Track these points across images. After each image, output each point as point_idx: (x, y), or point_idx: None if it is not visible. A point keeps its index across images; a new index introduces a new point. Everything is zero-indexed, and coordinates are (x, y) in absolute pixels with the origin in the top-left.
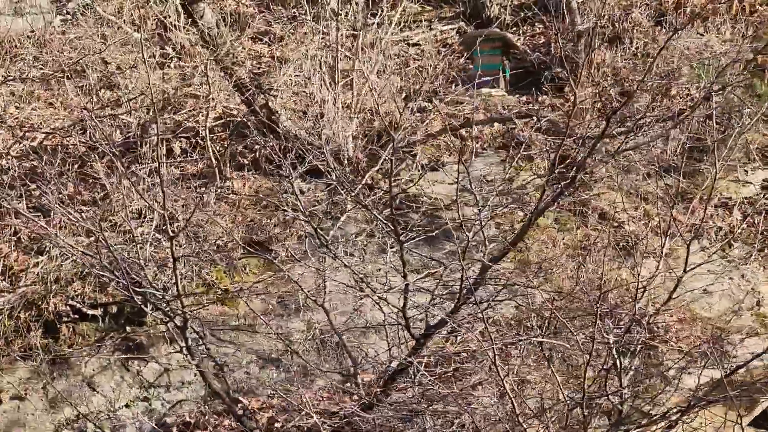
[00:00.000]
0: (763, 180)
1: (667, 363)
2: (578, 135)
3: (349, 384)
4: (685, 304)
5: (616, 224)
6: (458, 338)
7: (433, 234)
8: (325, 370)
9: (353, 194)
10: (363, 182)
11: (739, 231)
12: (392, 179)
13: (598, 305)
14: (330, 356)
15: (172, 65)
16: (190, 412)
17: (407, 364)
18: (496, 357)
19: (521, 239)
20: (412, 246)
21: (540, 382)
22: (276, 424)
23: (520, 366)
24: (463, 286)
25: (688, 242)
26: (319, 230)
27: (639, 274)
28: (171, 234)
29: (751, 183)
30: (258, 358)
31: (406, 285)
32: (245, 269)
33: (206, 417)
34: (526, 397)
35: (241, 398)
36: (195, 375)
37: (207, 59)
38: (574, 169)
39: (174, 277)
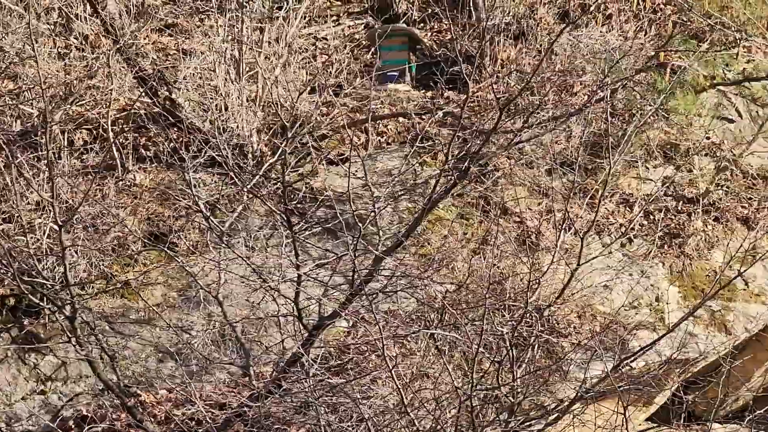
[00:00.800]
0: (665, 177)
1: (567, 357)
2: (474, 128)
3: (246, 377)
4: (584, 299)
5: (517, 219)
6: (360, 331)
7: (330, 226)
8: (218, 362)
9: (248, 186)
10: (260, 174)
11: (640, 227)
12: (287, 171)
13: (487, 297)
14: (230, 349)
15: (71, 55)
16: (87, 405)
17: (299, 355)
18: (385, 347)
19: (413, 231)
20: (317, 239)
21: (440, 375)
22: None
23: (423, 359)
24: (354, 278)
25: (581, 236)
26: (213, 221)
27: (531, 267)
28: (59, 223)
29: (652, 180)
30: (158, 352)
31: (299, 276)
32: (146, 262)
33: (103, 410)
34: (423, 389)
35: (139, 391)
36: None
37: (109, 50)
38: (467, 161)
39: (63, 267)
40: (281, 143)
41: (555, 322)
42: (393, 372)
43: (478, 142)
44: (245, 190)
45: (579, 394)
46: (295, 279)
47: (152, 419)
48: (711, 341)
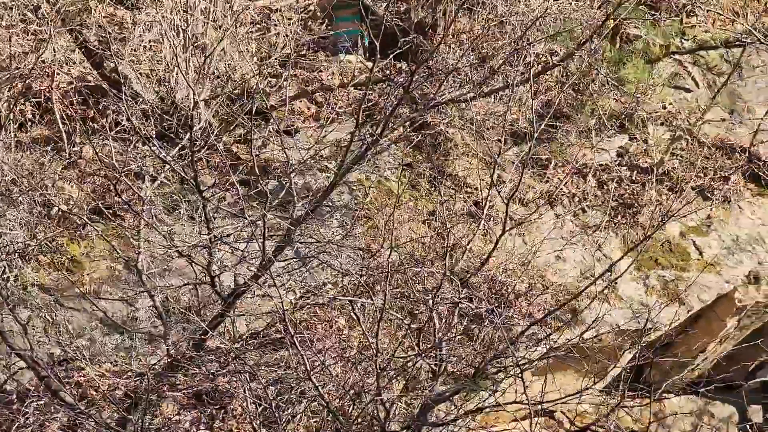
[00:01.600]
0: (619, 147)
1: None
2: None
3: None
4: (532, 269)
5: (468, 190)
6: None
7: (252, 194)
8: (133, 331)
9: (169, 156)
10: (182, 143)
11: (594, 197)
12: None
13: (390, 263)
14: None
15: (8, 25)
16: (30, 379)
17: (215, 324)
18: (286, 318)
19: (326, 198)
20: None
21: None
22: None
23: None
24: (263, 246)
25: (506, 202)
26: (137, 191)
27: (448, 235)
28: None
29: (606, 150)
30: (103, 325)
31: (210, 243)
32: (91, 235)
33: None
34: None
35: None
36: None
37: (52, 21)
38: (380, 126)
39: None
40: (234, 114)
41: (506, 290)
42: (295, 339)
43: (389, 108)
44: (164, 158)
45: (484, 363)
46: (207, 246)
47: (74, 390)
48: (663, 311)
